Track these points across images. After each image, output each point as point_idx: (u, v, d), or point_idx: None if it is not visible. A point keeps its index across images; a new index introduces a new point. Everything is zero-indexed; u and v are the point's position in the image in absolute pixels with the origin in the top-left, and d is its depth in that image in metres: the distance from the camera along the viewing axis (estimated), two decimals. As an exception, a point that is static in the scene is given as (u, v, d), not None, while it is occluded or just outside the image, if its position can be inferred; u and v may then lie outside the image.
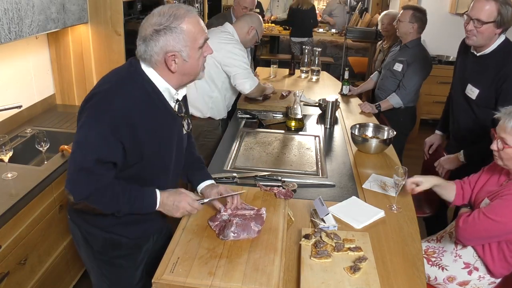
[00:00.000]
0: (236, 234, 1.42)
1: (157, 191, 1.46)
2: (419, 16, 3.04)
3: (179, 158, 1.59)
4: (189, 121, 1.62)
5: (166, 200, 1.46)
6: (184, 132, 1.56)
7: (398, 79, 3.11)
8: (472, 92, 2.27)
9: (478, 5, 2.10)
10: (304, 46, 4.29)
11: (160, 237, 1.72)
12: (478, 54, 2.24)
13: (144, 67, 1.38)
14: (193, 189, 1.69)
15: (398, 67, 3.10)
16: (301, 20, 6.50)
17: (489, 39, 2.15)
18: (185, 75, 1.40)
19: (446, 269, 1.84)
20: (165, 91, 1.41)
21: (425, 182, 1.83)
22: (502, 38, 2.18)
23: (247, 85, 2.70)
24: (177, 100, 1.46)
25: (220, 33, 2.69)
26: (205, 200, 1.55)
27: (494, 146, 1.68)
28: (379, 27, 4.01)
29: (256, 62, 6.00)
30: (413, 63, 3.03)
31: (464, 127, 2.40)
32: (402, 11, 3.13)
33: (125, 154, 1.36)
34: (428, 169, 2.62)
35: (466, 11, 2.18)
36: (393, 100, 3.04)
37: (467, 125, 2.37)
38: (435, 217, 2.53)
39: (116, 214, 1.43)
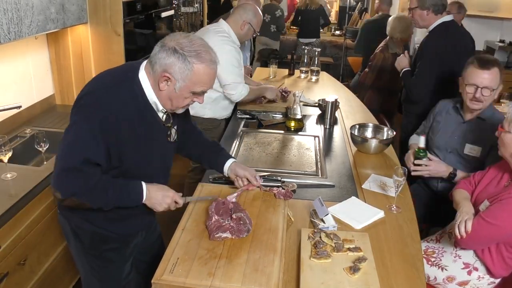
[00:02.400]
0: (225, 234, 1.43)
1: (143, 184, 1.47)
2: None
3: (164, 165, 1.62)
4: (191, 124, 1.69)
5: (154, 194, 1.48)
6: (172, 140, 1.59)
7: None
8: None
9: None
10: (309, 47, 4.25)
11: (149, 233, 1.75)
12: (426, 30, 2.76)
13: (142, 75, 1.41)
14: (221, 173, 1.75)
15: None
16: (309, 21, 6.42)
17: (424, 20, 2.68)
18: (168, 100, 1.43)
19: (446, 269, 1.84)
20: (153, 104, 1.45)
21: (469, 219, 1.66)
22: (446, 18, 2.64)
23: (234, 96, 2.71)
24: (166, 111, 1.49)
25: (216, 34, 2.61)
26: (193, 199, 1.61)
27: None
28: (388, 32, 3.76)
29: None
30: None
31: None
32: None
33: (109, 157, 1.38)
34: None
35: None
36: None
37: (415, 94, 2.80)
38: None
39: (104, 208, 1.44)
